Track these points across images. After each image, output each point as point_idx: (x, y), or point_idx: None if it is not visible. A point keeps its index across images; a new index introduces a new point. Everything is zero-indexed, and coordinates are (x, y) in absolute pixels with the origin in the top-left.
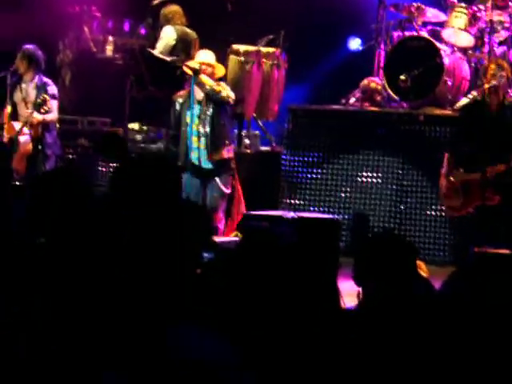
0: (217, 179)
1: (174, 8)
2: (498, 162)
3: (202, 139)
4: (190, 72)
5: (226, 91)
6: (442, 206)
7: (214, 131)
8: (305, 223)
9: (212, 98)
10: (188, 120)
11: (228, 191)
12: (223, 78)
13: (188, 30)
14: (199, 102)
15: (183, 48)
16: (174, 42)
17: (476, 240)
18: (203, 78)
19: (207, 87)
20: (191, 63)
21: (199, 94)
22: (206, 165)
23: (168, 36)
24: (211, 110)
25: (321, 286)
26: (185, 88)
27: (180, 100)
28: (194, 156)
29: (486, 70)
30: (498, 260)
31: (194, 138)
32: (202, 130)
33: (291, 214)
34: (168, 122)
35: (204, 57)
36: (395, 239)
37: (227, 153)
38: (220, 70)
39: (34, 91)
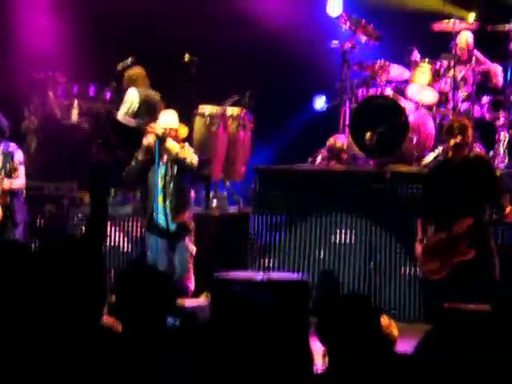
0: (186, 240)
1: (137, 70)
2: (465, 216)
3: (168, 200)
4: (153, 135)
5: (190, 157)
6: (413, 263)
7: (180, 192)
8: (274, 284)
9: (177, 163)
10: (154, 180)
11: (195, 250)
12: (188, 139)
13: (151, 92)
14: (165, 163)
15: (147, 110)
16: (137, 105)
17: (447, 296)
18: (169, 144)
19: (173, 154)
20: (155, 127)
21: (165, 155)
22: (172, 226)
23: (132, 99)
24: (175, 171)
25: (293, 349)
26: None
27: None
28: (160, 217)
29: (449, 127)
30: (470, 316)
31: (160, 198)
32: (167, 190)
33: (260, 276)
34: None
35: (166, 120)
36: (357, 299)
37: (189, 213)
38: (183, 131)
39: (0, 158)
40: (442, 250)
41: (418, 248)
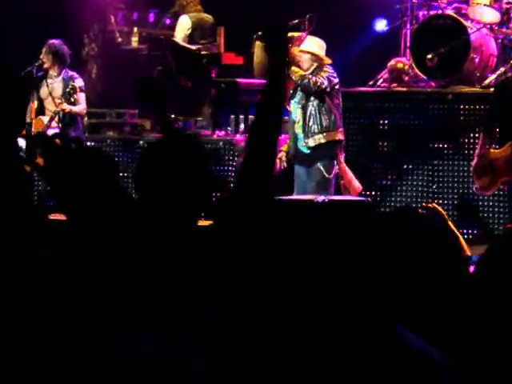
0: (319, 164)
1: None
2: None
3: (299, 125)
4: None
5: (317, 79)
6: (473, 184)
7: (309, 117)
8: (335, 205)
9: (300, 87)
10: (291, 108)
11: (329, 176)
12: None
13: (204, 16)
14: (299, 91)
15: (201, 35)
16: (189, 32)
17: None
18: (293, 69)
19: (295, 77)
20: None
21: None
22: (304, 149)
23: (183, 26)
24: (309, 96)
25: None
26: None
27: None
28: (299, 143)
29: None
30: None
31: (296, 125)
32: (299, 116)
33: (322, 198)
34: (194, 110)
35: (307, 45)
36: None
37: (325, 137)
38: (325, 60)
39: (60, 85)
40: (496, 168)
41: (475, 161)
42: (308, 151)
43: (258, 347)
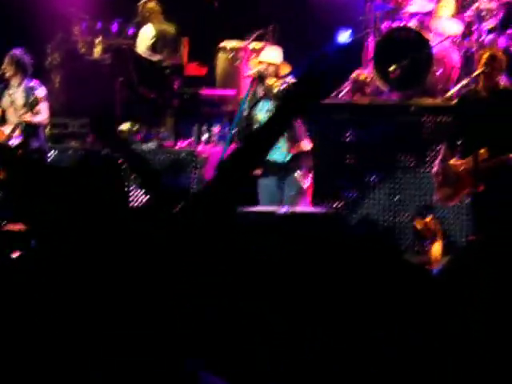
0: (296, 174)
1: (151, 5)
2: (493, 148)
3: None
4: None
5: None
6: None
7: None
8: (297, 217)
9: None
10: (259, 117)
11: (305, 186)
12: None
13: (166, 26)
14: (268, 98)
15: (164, 45)
16: (152, 41)
17: (473, 227)
18: (269, 81)
19: (274, 89)
20: (253, 70)
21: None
22: (281, 158)
23: (146, 35)
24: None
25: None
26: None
27: (247, 98)
28: (273, 153)
29: (480, 57)
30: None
31: None
32: None
33: (284, 209)
34: (157, 121)
35: (265, 55)
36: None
37: (305, 146)
38: (285, 68)
39: (22, 95)
40: (459, 179)
41: (436, 171)
42: (287, 158)
43: (258, 347)
